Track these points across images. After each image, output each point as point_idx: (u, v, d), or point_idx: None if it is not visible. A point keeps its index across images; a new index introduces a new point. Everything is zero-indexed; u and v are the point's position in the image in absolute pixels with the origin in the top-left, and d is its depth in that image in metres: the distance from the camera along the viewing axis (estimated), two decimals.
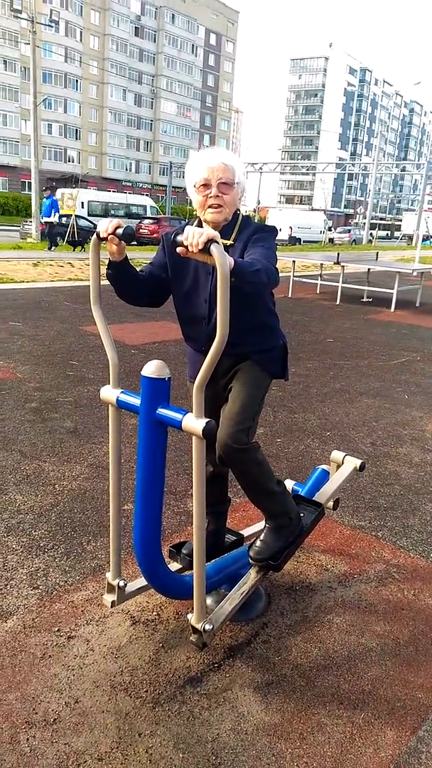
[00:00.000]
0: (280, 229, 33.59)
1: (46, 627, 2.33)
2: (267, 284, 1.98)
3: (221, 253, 1.70)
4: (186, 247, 1.74)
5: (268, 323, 2.34)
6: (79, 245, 21.12)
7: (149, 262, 2.35)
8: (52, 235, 20.27)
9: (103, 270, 2.03)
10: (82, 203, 30.93)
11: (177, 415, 1.89)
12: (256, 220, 2.64)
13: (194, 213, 2.29)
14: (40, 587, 2.57)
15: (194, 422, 1.84)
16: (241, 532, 2.77)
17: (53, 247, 20.06)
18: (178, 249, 1.78)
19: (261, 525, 2.83)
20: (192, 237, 1.71)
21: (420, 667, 2.24)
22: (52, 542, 2.91)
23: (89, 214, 29.60)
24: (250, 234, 2.17)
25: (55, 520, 3.11)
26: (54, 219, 20.22)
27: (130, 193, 48.11)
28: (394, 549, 3.06)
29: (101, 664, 2.16)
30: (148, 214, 33.90)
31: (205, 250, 1.71)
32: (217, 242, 1.71)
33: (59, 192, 31.48)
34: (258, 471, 2.25)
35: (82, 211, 29.43)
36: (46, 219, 20.32)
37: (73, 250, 20.79)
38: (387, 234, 65.25)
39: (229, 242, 2.15)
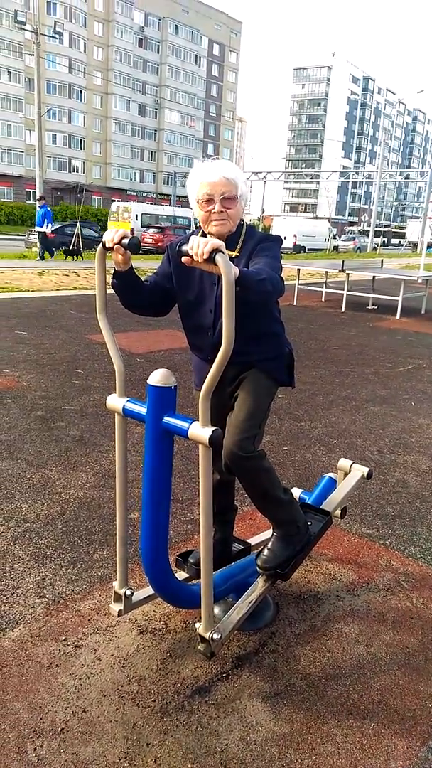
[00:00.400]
0: (285, 238, 33.60)
1: (53, 636, 2.32)
2: (272, 293, 1.98)
3: (226, 262, 1.71)
4: (191, 256, 1.75)
5: (274, 331, 2.34)
6: (76, 254, 20.79)
7: (154, 272, 2.36)
8: (45, 245, 19.95)
9: (109, 279, 2.03)
10: (136, 216, 32.11)
11: (183, 424, 1.89)
12: (260, 229, 2.65)
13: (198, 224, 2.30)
14: (47, 596, 2.56)
15: (201, 431, 1.84)
16: (248, 540, 2.76)
17: (45, 257, 19.67)
18: (183, 259, 1.78)
19: (268, 534, 2.82)
20: (197, 247, 1.72)
21: (430, 677, 2.22)
22: (58, 551, 2.91)
23: (142, 226, 30.61)
24: (254, 244, 2.17)
25: (61, 529, 3.10)
26: (46, 229, 19.92)
27: (151, 203, 48.71)
28: (403, 557, 3.04)
29: (109, 673, 2.15)
30: (192, 227, 34.43)
31: (210, 259, 1.71)
32: (222, 252, 1.71)
33: (115, 205, 32.49)
34: (265, 479, 2.24)
35: (135, 223, 30.63)
36: (38, 229, 20.01)
37: (65, 259, 20.41)
38: (384, 241, 65.30)
39: (234, 254, 2.16)
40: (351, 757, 1.86)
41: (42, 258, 19.59)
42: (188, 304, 2.28)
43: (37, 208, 20.68)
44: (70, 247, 21.16)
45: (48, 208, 20.48)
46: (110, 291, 2.08)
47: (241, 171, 2.23)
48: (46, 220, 19.80)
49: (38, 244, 20.10)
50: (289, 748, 1.88)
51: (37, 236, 21.29)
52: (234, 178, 2.13)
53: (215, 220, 2.14)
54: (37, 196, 24.24)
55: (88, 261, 20.19)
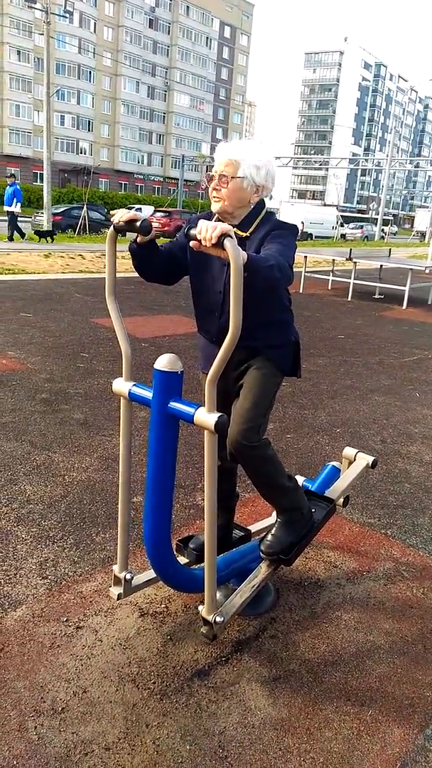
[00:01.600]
0: (302, 224, 33.23)
1: (55, 617, 2.34)
2: (279, 280, 1.96)
3: (235, 247, 1.69)
4: (199, 241, 1.74)
5: (282, 319, 2.33)
6: (49, 236, 19.69)
7: (171, 241, 2.34)
8: (13, 225, 18.76)
9: (120, 261, 2.02)
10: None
11: (189, 409, 1.89)
12: None
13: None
14: (49, 577, 2.58)
15: (206, 416, 1.84)
16: (248, 527, 2.77)
17: (15, 239, 18.67)
18: (192, 243, 1.78)
19: (269, 521, 2.83)
20: (205, 231, 1.71)
21: (428, 666, 2.23)
22: (61, 533, 2.93)
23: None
24: (269, 229, 2.15)
25: (64, 511, 3.12)
26: (14, 208, 18.62)
27: (141, 185, 48.23)
28: (404, 547, 3.05)
29: (109, 654, 2.17)
30: None
31: (219, 244, 1.70)
32: (231, 237, 1.70)
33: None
34: (269, 468, 2.24)
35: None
36: (7, 208, 18.62)
37: (38, 241, 19.38)
38: (393, 231, 64.79)
39: (245, 234, 2.14)
40: (348, 743, 1.88)
41: (11, 239, 18.60)
42: (198, 282, 2.28)
43: (7, 187, 19.10)
44: (76, 230, 20.74)
45: (18, 187, 19.10)
46: (120, 275, 2.07)
47: (261, 155, 2.15)
48: (15, 200, 18.56)
49: (7, 225, 18.89)
50: (286, 733, 1.90)
51: (43, 218, 20.93)
52: (238, 158, 2.11)
53: (213, 197, 2.17)
54: (45, 178, 23.84)
55: (59, 243, 19.28)
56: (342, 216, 47.89)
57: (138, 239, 2.09)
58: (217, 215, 2.22)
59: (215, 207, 2.18)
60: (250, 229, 2.18)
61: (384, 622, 2.47)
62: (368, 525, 3.24)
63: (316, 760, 1.81)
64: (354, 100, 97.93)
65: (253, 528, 2.79)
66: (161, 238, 25.60)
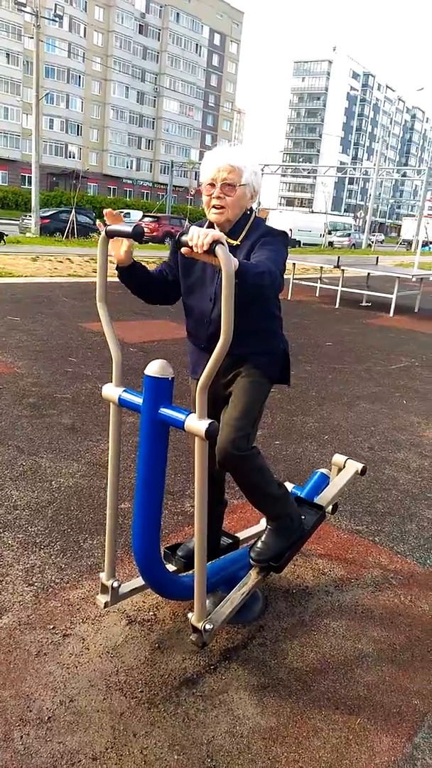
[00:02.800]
0: (291, 231, 33.34)
1: (42, 624, 2.31)
2: (269, 288, 1.95)
3: (226, 254, 1.69)
4: (191, 248, 1.73)
5: (270, 327, 2.32)
6: None
7: (164, 261, 2.35)
8: None
9: (110, 266, 2.02)
10: None
11: (180, 416, 1.88)
12: None
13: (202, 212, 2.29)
14: (36, 584, 2.55)
15: (197, 423, 1.83)
16: (236, 534, 2.76)
17: None
18: (183, 250, 1.77)
19: (257, 528, 2.83)
20: (197, 238, 1.71)
21: (416, 674, 2.24)
22: (48, 539, 2.90)
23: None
24: (258, 236, 2.15)
25: (51, 517, 3.09)
26: None
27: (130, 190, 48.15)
28: (392, 554, 3.06)
29: (96, 663, 2.15)
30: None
31: (210, 251, 1.70)
32: (222, 243, 1.70)
33: None
34: (258, 476, 2.24)
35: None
36: None
37: None
38: (381, 239, 65.13)
39: (235, 242, 2.14)
40: (337, 752, 1.87)
41: None
42: (189, 289, 2.26)
43: None
44: (64, 234, 20.70)
45: None
46: (111, 279, 2.06)
47: (254, 160, 2.18)
48: None
49: None
50: (275, 742, 1.89)
51: (31, 221, 20.78)
52: (240, 165, 2.10)
53: (214, 207, 2.12)
54: (33, 181, 23.74)
55: (9, 246, 18.62)
56: (331, 222, 48.15)
57: (118, 266, 2.11)
58: (208, 222, 2.21)
59: (217, 218, 2.13)
60: (240, 237, 2.17)
61: (372, 629, 2.47)
62: (356, 532, 3.24)
63: None
64: (342, 109, 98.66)
65: (242, 535, 2.78)
66: (149, 243, 25.62)
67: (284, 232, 2.25)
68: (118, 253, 2.07)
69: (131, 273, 2.15)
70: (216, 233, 1.70)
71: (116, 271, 2.14)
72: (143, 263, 2.22)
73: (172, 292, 2.32)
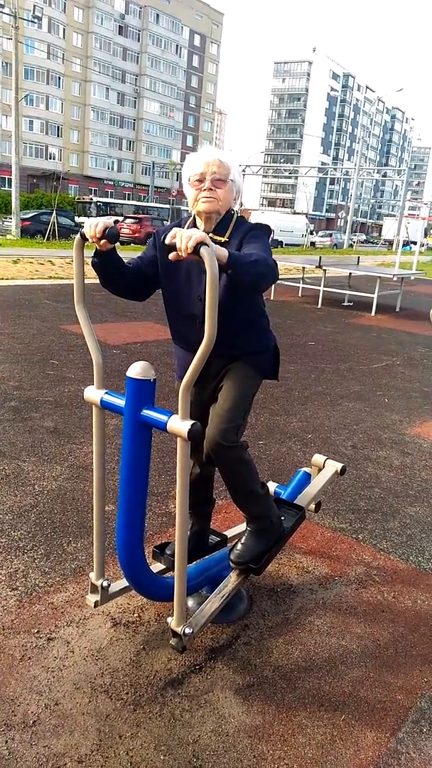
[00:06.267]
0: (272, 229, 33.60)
1: (26, 628, 2.31)
2: (266, 276, 1.96)
3: (211, 255, 1.70)
4: (176, 251, 1.74)
5: (260, 324, 2.34)
6: None
7: (138, 256, 2.33)
8: None
9: (88, 268, 2.01)
10: None
11: (162, 417, 1.88)
12: None
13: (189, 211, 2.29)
14: (20, 588, 2.54)
15: (180, 424, 1.84)
16: (224, 533, 2.77)
17: None
18: (171, 255, 1.77)
19: (244, 526, 2.83)
20: (180, 241, 1.71)
21: (399, 669, 2.26)
22: (31, 543, 2.88)
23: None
24: (245, 231, 2.17)
25: (34, 521, 3.08)
26: None
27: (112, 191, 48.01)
28: (374, 551, 3.08)
29: (81, 665, 2.15)
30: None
31: (195, 252, 1.70)
32: (207, 244, 1.71)
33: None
34: (244, 470, 2.24)
35: None
36: None
37: None
38: (362, 238, 65.50)
39: (223, 239, 2.15)
40: (321, 748, 1.89)
41: None
42: (175, 292, 2.25)
43: None
44: (46, 236, 20.56)
45: None
46: (89, 281, 2.06)
47: (236, 161, 2.25)
48: None
49: None
50: (260, 740, 1.90)
51: (12, 223, 20.61)
52: (228, 162, 2.15)
53: (204, 197, 2.13)
54: (13, 183, 23.59)
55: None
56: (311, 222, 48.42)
57: (98, 250, 2.06)
58: (191, 221, 2.22)
59: (207, 206, 2.13)
60: (227, 233, 2.18)
61: (356, 626, 2.49)
62: (339, 530, 3.27)
63: (291, 767, 1.81)
64: (323, 109, 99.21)
65: (229, 533, 2.79)
66: (131, 244, 25.55)
67: (268, 226, 2.29)
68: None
69: (109, 257, 2.09)
70: (200, 235, 1.71)
71: (93, 258, 2.10)
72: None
73: (144, 287, 2.28)
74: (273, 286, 12.86)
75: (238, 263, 1.83)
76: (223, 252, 1.78)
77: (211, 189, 2.12)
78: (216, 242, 1.93)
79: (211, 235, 2.04)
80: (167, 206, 39.00)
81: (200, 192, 2.13)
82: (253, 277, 1.93)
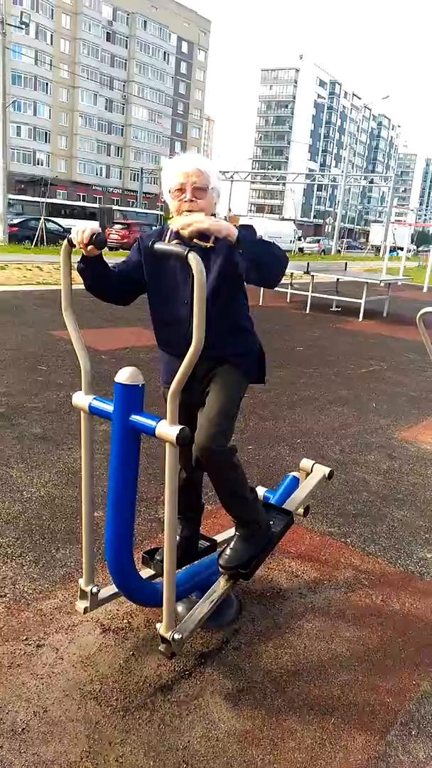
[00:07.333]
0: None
1: (14, 636, 2.29)
2: (281, 258, 2.01)
3: (198, 260, 1.72)
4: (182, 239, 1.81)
5: (246, 327, 2.36)
6: None
7: (123, 260, 2.33)
8: None
9: (75, 274, 2.02)
10: None
11: (151, 422, 1.89)
12: None
13: (168, 218, 2.29)
14: (8, 595, 2.53)
15: (168, 429, 1.84)
16: (214, 537, 2.77)
17: None
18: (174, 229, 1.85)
19: (233, 531, 2.83)
20: (181, 226, 1.84)
21: (388, 672, 2.27)
22: (20, 550, 2.87)
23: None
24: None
25: (23, 527, 3.06)
26: None
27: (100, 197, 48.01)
28: (363, 555, 3.10)
29: (71, 672, 2.14)
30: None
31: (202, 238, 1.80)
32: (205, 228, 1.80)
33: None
34: (233, 475, 2.25)
35: None
36: None
37: None
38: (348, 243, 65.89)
39: (209, 245, 2.16)
40: (311, 752, 1.89)
41: None
42: (161, 297, 2.26)
43: None
44: (34, 241, 20.49)
45: None
46: (76, 287, 2.06)
47: (215, 166, 2.26)
48: None
49: None
50: (250, 744, 1.90)
51: None
52: (207, 170, 2.15)
53: (186, 210, 2.14)
54: (1, 189, 23.56)
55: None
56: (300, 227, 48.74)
57: (84, 256, 2.07)
58: (174, 233, 2.22)
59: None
60: (212, 238, 2.19)
61: (345, 630, 2.50)
62: (328, 534, 3.28)
63: None
64: (310, 116, 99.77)
65: (219, 538, 2.79)
66: (120, 250, 25.53)
67: (251, 226, 2.29)
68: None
69: (95, 262, 2.11)
70: (198, 224, 1.79)
71: (79, 263, 2.11)
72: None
73: (128, 292, 2.30)
74: (261, 291, 12.93)
75: (252, 241, 1.87)
76: (232, 231, 1.84)
77: (192, 201, 2.14)
78: (202, 248, 1.94)
79: (195, 240, 2.04)
80: (145, 211, 39.06)
81: (182, 203, 2.15)
82: (270, 258, 1.97)
